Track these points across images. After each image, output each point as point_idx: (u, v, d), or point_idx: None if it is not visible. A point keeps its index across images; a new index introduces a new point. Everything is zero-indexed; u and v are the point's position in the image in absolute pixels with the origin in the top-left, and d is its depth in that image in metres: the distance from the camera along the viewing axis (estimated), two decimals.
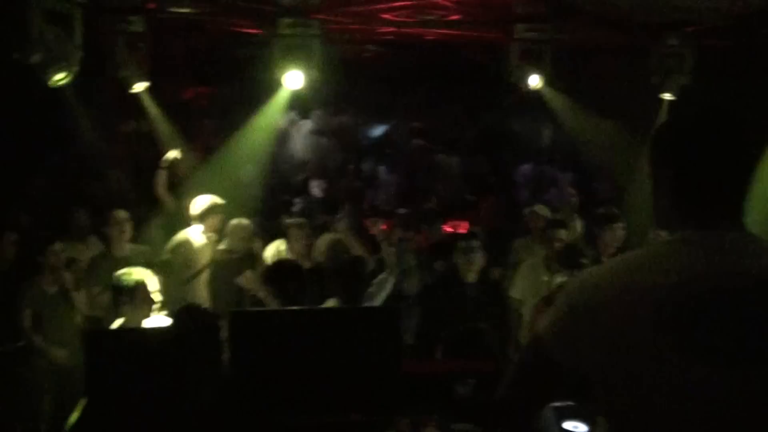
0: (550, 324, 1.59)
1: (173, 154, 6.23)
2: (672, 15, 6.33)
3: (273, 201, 7.88)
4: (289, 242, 5.95)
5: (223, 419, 2.75)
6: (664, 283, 1.44)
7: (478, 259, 5.09)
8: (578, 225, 6.81)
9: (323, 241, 6.00)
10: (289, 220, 6.28)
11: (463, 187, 8.99)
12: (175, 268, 5.35)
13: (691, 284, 1.43)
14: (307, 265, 5.46)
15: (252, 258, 5.63)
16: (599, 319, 1.48)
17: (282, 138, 9.59)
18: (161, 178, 6.14)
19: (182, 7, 6.23)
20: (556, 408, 2.62)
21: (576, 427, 2.52)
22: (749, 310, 1.41)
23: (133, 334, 3.48)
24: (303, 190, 8.61)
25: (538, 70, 6.97)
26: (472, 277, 5.04)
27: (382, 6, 6.07)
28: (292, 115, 9.76)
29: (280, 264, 4.98)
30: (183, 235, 5.60)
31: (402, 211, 7.83)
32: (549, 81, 7.19)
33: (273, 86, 6.77)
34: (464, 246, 5.15)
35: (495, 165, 9.61)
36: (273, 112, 7.60)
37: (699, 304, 1.41)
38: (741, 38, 6.89)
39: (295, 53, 6.18)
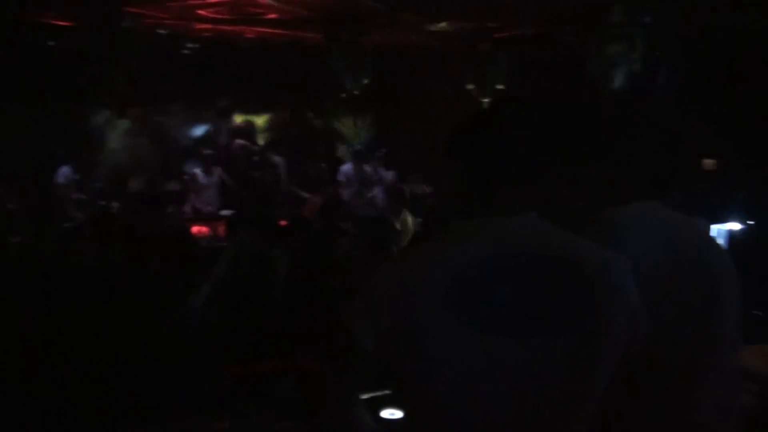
0: (355, 314, 1.64)
1: None
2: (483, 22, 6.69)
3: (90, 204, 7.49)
4: None
5: None
6: (454, 265, 1.53)
7: None
8: (409, 220, 7.00)
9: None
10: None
11: (290, 187, 9.01)
12: None
13: (480, 264, 1.53)
14: None
15: None
16: (397, 305, 1.54)
17: (98, 138, 9.15)
18: None
19: None
20: (371, 398, 2.70)
21: (393, 414, 2.60)
22: (533, 285, 1.52)
23: None
24: (121, 192, 8.24)
25: (360, 71, 7.08)
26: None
27: (197, 2, 5.93)
28: (108, 113, 9.33)
29: None
30: None
31: (226, 212, 7.71)
32: (372, 82, 7.34)
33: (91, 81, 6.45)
34: None
35: (321, 164, 9.69)
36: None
37: (487, 282, 1.51)
38: (548, 44, 7.38)
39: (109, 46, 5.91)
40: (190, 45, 8.64)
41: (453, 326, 1.48)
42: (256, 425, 2.67)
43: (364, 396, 2.75)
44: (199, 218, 7.85)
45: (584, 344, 1.53)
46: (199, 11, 6.31)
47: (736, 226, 4.81)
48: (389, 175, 9.46)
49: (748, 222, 5.08)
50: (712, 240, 2.29)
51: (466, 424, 1.53)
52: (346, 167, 9.37)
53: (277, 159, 9.47)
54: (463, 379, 1.50)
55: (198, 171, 8.70)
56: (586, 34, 6.06)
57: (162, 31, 7.59)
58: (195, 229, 7.13)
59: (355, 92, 7.48)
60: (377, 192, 9.17)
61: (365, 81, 7.24)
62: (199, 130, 10.42)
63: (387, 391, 2.75)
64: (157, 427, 2.63)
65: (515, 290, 1.51)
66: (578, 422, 1.59)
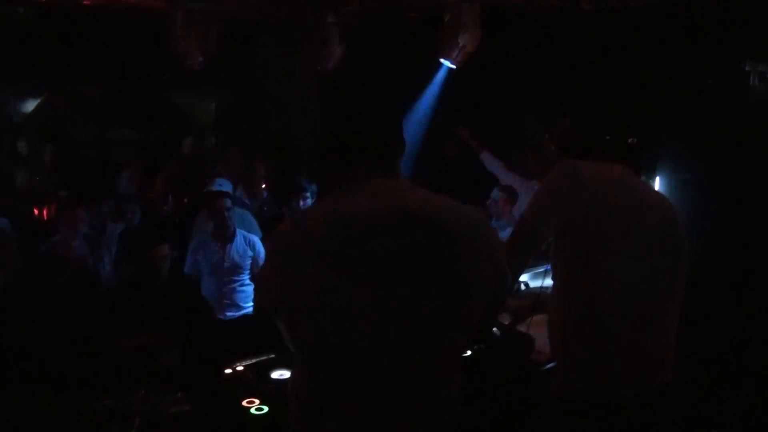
0: (260, 275, 1.86)
1: None
2: None
3: None
4: None
5: None
6: (329, 223, 1.71)
7: None
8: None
9: None
10: None
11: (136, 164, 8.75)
12: None
13: (351, 222, 1.71)
14: None
15: None
16: (285, 264, 1.73)
17: None
18: None
19: None
20: (260, 362, 2.84)
21: (282, 375, 2.77)
22: (403, 240, 1.70)
23: None
24: None
25: (203, 42, 6.90)
26: None
27: None
28: None
29: None
30: None
31: (64, 193, 7.40)
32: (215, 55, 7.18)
33: None
34: None
35: (165, 139, 9.46)
36: None
37: (357, 237, 1.69)
38: (391, 20, 7.57)
39: None
40: (21, 9, 7.99)
41: (330, 277, 1.67)
42: (142, 399, 2.70)
43: (253, 360, 2.89)
44: (35, 198, 7.46)
45: (447, 292, 1.73)
46: None
47: None
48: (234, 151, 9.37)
49: None
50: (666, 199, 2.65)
51: (341, 363, 1.71)
52: (188, 141, 9.25)
53: (126, 132, 9.17)
54: (340, 324, 1.69)
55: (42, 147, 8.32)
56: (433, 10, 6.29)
57: None
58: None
59: (199, 65, 7.29)
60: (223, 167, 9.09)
61: (210, 52, 7.07)
62: (31, 105, 9.74)
63: (272, 355, 2.89)
64: (42, 407, 2.59)
65: (386, 245, 1.69)
66: (444, 365, 1.79)
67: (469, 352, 3.09)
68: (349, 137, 1.85)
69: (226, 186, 5.50)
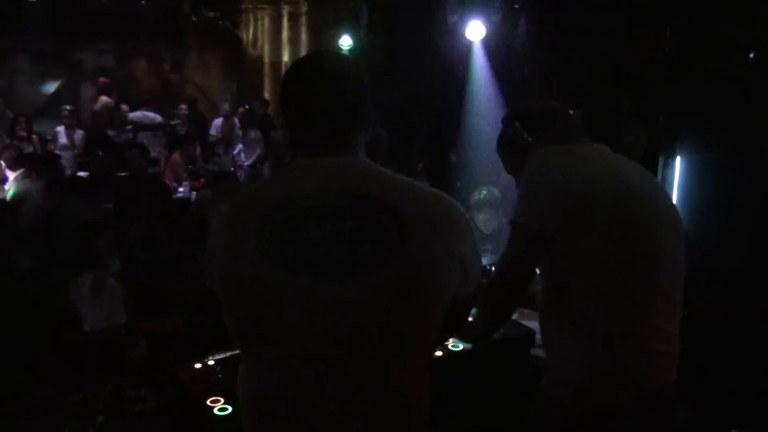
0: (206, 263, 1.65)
1: None
2: None
3: None
4: None
5: None
6: (269, 203, 1.53)
7: None
8: None
9: None
10: None
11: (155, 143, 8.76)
12: None
13: (291, 203, 1.52)
14: None
15: None
16: (220, 250, 1.57)
17: None
18: None
19: None
20: (228, 357, 2.71)
21: None
22: (345, 226, 1.50)
23: None
24: None
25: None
26: None
27: None
28: None
29: None
30: None
31: (82, 174, 7.42)
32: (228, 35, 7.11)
33: None
34: None
35: (190, 119, 9.43)
36: None
37: (298, 222, 1.50)
38: None
39: None
40: None
41: (264, 268, 1.48)
42: (108, 394, 2.61)
43: (226, 354, 2.74)
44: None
45: (395, 286, 1.50)
46: None
47: None
48: (252, 132, 9.31)
49: None
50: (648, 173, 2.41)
51: (284, 365, 1.53)
52: (218, 122, 9.25)
53: (137, 115, 9.12)
54: (278, 321, 1.50)
55: (60, 129, 8.33)
56: None
57: None
58: None
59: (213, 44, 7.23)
60: (239, 149, 9.05)
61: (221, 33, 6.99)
62: (51, 87, 9.74)
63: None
64: (5, 406, 2.51)
65: (326, 230, 1.49)
66: (398, 361, 1.58)
67: (460, 347, 2.93)
68: (296, 107, 1.66)
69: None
